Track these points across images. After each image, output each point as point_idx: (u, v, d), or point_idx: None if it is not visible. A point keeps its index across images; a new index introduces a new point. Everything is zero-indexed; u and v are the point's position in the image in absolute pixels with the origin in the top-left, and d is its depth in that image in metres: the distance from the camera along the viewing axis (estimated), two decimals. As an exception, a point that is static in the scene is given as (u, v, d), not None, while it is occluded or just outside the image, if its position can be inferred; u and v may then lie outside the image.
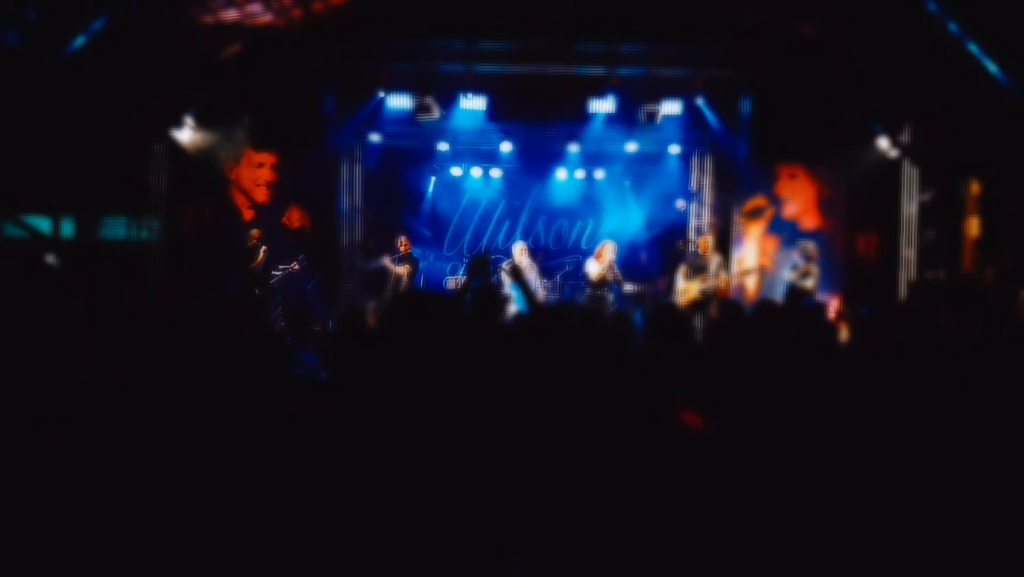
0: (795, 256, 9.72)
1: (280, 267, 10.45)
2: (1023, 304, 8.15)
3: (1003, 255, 8.89)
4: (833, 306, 9.64)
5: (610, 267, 9.42)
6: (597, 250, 9.69)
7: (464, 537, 1.64)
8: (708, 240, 10.43)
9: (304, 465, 1.72)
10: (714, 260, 9.94)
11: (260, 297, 10.20)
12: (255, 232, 10.51)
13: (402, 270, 10.69)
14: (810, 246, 9.68)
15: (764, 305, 5.33)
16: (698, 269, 9.82)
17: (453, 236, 13.01)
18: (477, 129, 11.25)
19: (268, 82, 10.03)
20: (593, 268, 9.58)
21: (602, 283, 9.46)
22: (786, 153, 10.99)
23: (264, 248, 10.40)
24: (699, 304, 9.35)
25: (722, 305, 5.48)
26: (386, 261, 10.81)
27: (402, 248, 10.89)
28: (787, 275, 9.57)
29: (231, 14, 9.92)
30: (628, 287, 9.89)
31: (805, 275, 9.41)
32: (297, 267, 10.56)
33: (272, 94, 10.14)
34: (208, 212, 11.11)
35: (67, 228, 9.60)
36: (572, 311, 2.33)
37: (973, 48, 8.68)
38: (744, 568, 1.85)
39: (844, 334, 6.19)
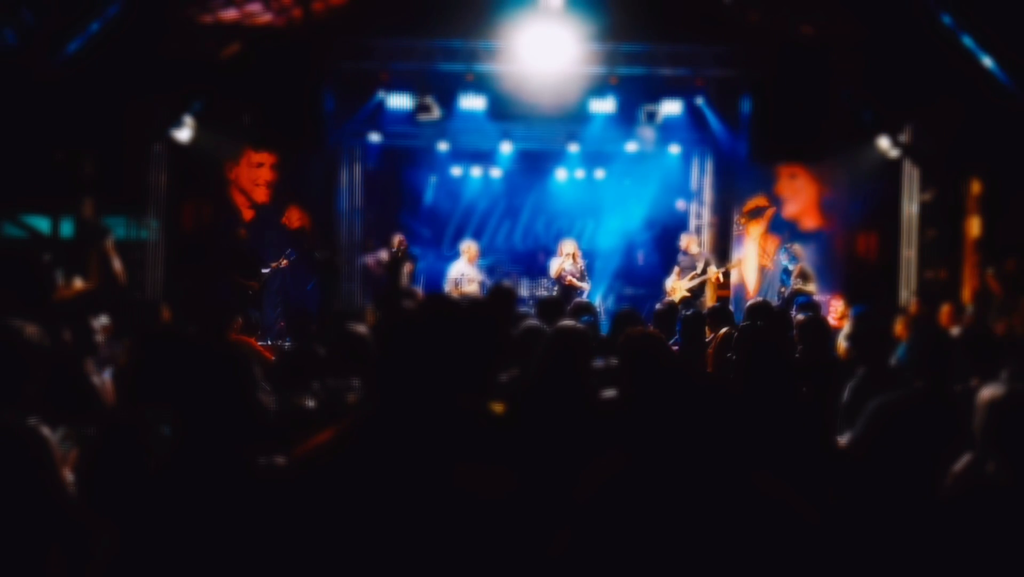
0: (784, 260, 9.62)
1: (270, 264, 10.38)
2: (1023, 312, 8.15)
3: (1007, 257, 8.89)
4: (835, 307, 9.62)
5: (571, 262, 9.64)
6: (559, 248, 9.93)
7: None
8: (693, 238, 10.37)
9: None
10: (701, 258, 9.98)
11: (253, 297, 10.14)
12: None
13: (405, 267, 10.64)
14: (796, 247, 9.60)
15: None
16: (687, 268, 9.87)
17: (453, 236, 12.98)
18: (477, 129, 11.24)
19: (268, 82, 10.01)
20: (552, 265, 9.84)
21: (567, 281, 9.61)
22: (786, 153, 10.97)
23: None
24: (688, 302, 9.34)
25: (750, 309, 5.44)
26: (383, 255, 10.77)
27: (399, 246, 10.82)
28: (793, 284, 9.31)
29: (231, 14, 9.91)
30: (585, 284, 9.91)
31: (801, 276, 9.29)
32: (286, 263, 10.46)
33: (272, 94, 10.12)
34: (207, 212, 11.11)
35: (67, 228, 9.59)
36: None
37: (974, 48, 8.69)
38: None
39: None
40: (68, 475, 2.41)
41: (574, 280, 9.66)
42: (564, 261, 9.69)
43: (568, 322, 3.87)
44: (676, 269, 9.99)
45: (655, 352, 3.21)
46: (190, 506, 2.06)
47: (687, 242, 10.18)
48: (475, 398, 1.79)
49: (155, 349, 2.96)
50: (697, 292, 9.75)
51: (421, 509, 1.59)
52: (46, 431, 2.33)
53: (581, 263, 9.84)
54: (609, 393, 3.36)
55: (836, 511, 2.38)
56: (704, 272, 9.77)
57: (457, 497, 1.61)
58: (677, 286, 9.76)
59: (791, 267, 9.39)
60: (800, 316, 5.37)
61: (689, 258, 9.98)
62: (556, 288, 9.89)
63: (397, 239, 10.70)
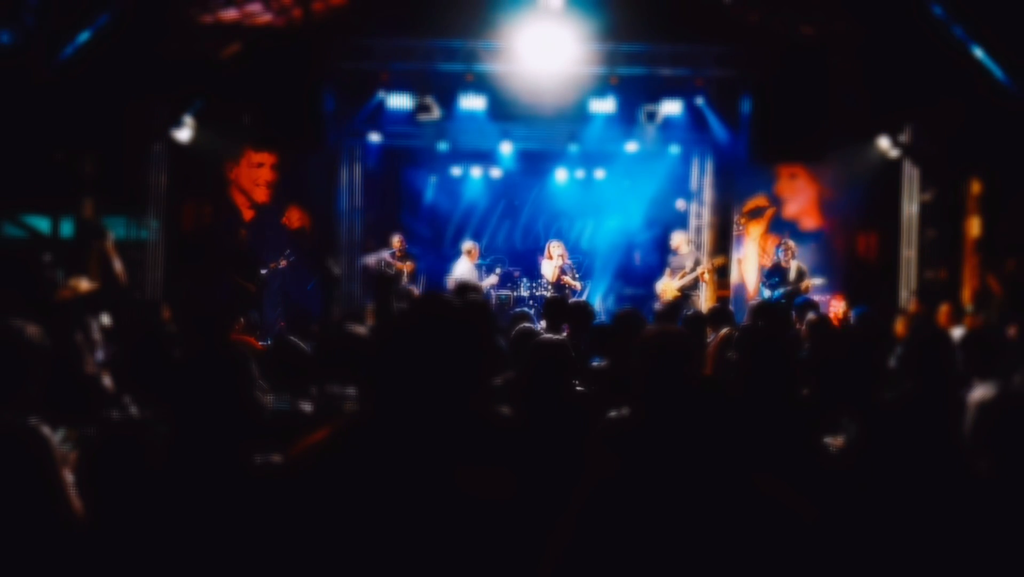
0: (778, 256, 9.55)
1: (268, 265, 10.38)
2: None
3: (1007, 257, 8.89)
4: (835, 307, 9.60)
5: (561, 265, 9.73)
6: (547, 251, 9.96)
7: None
8: (684, 237, 10.33)
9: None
10: (690, 257, 9.98)
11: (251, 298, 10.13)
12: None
13: (405, 266, 10.63)
14: (790, 243, 9.54)
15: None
16: (678, 268, 9.87)
17: (453, 236, 12.98)
18: (477, 129, 11.23)
19: (268, 82, 10.00)
20: (547, 268, 9.89)
21: (563, 282, 9.75)
22: (786, 153, 10.96)
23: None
24: (680, 302, 9.33)
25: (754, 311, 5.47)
26: (385, 255, 10.75)
27: (397, 246, 10.80)
28: (803, 283, 9.24)
29: (231, 14, 9.92)
30: (578, 285, 9.96)
31: (799, 275, 9.24)
32: (284, 263, 10.46)
33: (272, 94, 10.11)
34: (207, 212, 11.12)
35: (67, 228, 9.59)
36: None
37: (974, 48, 8.68)
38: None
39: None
40: (68, 475, 2.41)
41: (570, 280, 9.77)
42: (556, 263, 9.74)
43: (548, 336, 3.90)
44: (668, 270, 10.00)
45: (678, 351, 2.93)
46: (188, 504, 2.06)
47: (678, 241, 10.16)
48: (479, 400, 1.79)
49: (155, 349, 2.97)
50: (688, 291, 9.73)
51: (417, 508, 1.59)
52: (46, 431, 2.33)
53: (570, 263, 9.94)
54: (624, 412, 3.26)
55: (837, 512, 2.38)
56: (693, 270, 9.75)
57: (454, 497, 1.61)
58: (667, 286, 9.75)
59: (784, 263, 9.36)
60: (812, 315, 5.43)
61: (680, 258, 9.97)
62: (551, 289, 9.91)
63: (397, 239, 10.70)
